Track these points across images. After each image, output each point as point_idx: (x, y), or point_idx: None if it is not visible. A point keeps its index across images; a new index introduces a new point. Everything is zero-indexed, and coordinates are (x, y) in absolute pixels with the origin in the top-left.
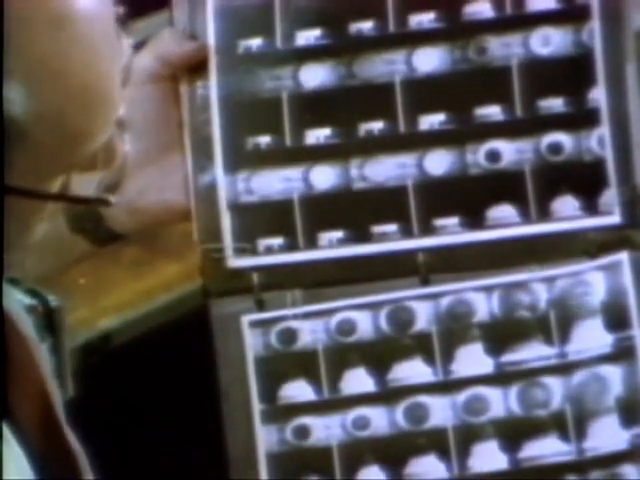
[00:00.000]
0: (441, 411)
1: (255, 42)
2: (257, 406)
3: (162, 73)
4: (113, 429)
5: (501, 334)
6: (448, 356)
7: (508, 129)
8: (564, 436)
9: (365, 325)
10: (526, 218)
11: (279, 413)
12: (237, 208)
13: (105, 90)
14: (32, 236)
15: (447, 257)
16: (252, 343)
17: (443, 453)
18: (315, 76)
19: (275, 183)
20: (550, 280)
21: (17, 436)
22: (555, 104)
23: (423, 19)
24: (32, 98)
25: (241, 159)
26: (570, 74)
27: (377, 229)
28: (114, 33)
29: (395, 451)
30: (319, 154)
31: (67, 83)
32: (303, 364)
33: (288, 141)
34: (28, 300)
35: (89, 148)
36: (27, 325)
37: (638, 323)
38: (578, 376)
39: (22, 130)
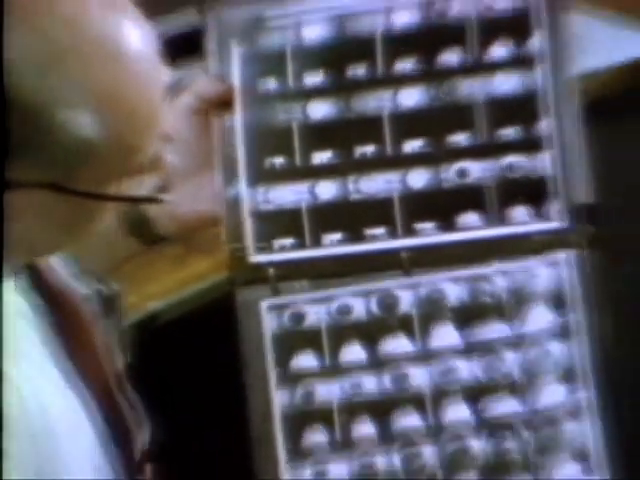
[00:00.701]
0: (420, 377)
1: (271, 83)
2: (273, 373)
3: (199, 108)
4: (159, 388)
5: (468, 316)
6: (426, 333)
7: (474, 152)
8: (517, 397)
9: (359, 308)
10: (488, 223)
11: (290, 379)
12: (257, 215)
13: (152, 111)
14: (95, 228)
15: (425, 254)
16: (269, 323)
17: (421, 409)
18: (319, 110)
19: (287, 195)
20: (507, 273)
21: (83, 392)
22: (511, 132)
23: (406, 65)
24: (96, 122)
25: (260, 176)
26: (523, 108)
27: (369, 232)
28: (157, 66)
29: (383, 409)
30: (323, 172)
31: (123, 108)
32: (309, 340)
33: (298, 161)
34: (95, 287)
35: (141, 158)
36: (92, 307)
37: (574, 307)
38: (528, 349)
39: (89, 147)
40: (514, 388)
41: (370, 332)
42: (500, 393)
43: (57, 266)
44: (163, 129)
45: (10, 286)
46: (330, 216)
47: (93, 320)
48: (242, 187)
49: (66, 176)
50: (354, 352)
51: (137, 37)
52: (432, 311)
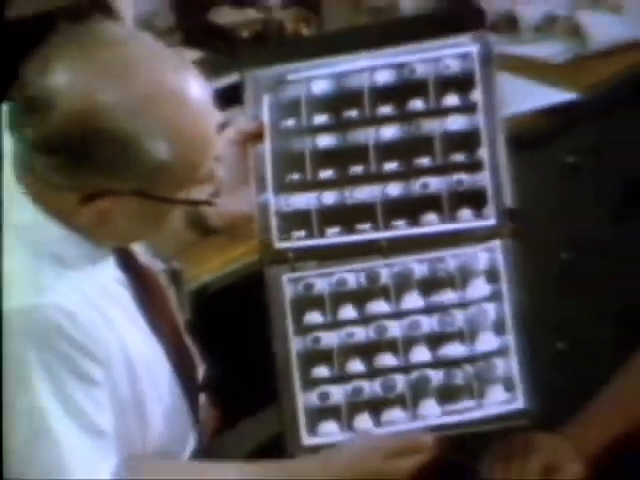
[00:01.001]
0: (394, 329)
1: (290, 122)
2: (290, 326)
3: (240, 139)
4: (210, 336)
5: (429, 286)
6: (399, 299)
7: (433, 171)
8: (463, 343)
9: (352, 281)
10: (443, 221)
11: (303, 330)
12: (280, 215)
13: (208, 140)
14: (168, 224)
15: (398, 243)
16: (288, 291)
17: (395, 352)
18: (324, 140)
19: (301, 200)
20: (456, 256)
21: (159, 338)
22: (460, 157)
23: (385, 110)
24: (170, 149)
25: (282, 187)
26: (468, 141)
27: (359, 227)
28: (211, 110)
29: (368, 352)
30: (326, 184)
31: (188, 139)
32: (316, 303)
33: (309, 177)
34: (165, 265)
35: (200, 173)
36: (163, 279)
37: (503, 280)
38: (471, 309)
39: (164, 166)
40: (461, 336)
41: (359, 297)
42: (451, 340)
43: (139, 250)
44: (216, 153)
45: (110, 261)
46: (331, 216)
47: (165, 287)
48: (269, 195)
49: (148, 186)
50: (348, 311)
51: (198, 90)
52: (403, 283)
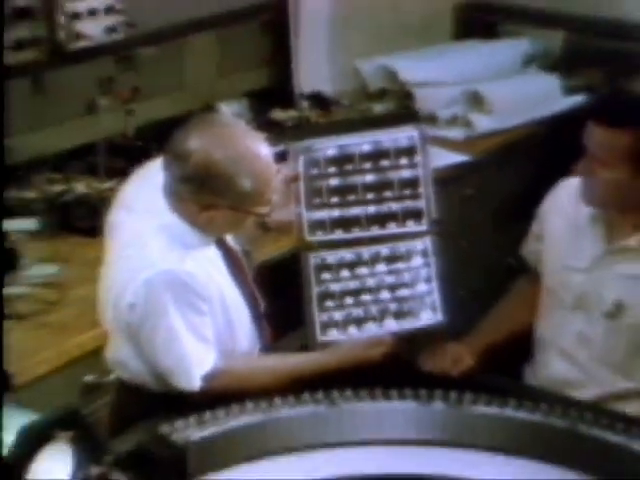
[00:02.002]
0: (370, 282)
1: (315, 171)
2: (313, 280)
3: (286, 180)
4: (267, 289)
5: (390, 260)
6: (373, 266)
7: (393, 199)
8: (408, 289)
9: (347, 257)
10: (398, 227)
11: (319, 282)
12: (309, 222)
13: (271, 179)
14: (247, 226)
15: (373, 239)
16: (312, 263)
17: (371, 294)
18: (333, 182)
19: (320, 214)
20: (405, 245)
21: (239, 289)
22: (407, 192)
23: (369, 165)
24: (251, 183)
25: (310, 206)
26: (412, 183)
27: (352, 229)
28: (271, 162)
29: (355, 294)
30: (334, 206)
31: (261, 178)
32: (327, 269)
33: (325, 201)
34: (242, 247)
35: (265, 198)
36: (241, 254)
37: (432, 256)
38: (413, 271)
39: (247, 193)
40: (407, 285)
41: (351, 266)
42: (402, 287)
43: (228, 238)
44: (274, 187)
45: (213, 244)
46: (337, 223)
47: (242, 259)
48: (303, 210)
49: (237, 204)
50: (345, 273)
51: (266, 152)
52: (376, 258)
